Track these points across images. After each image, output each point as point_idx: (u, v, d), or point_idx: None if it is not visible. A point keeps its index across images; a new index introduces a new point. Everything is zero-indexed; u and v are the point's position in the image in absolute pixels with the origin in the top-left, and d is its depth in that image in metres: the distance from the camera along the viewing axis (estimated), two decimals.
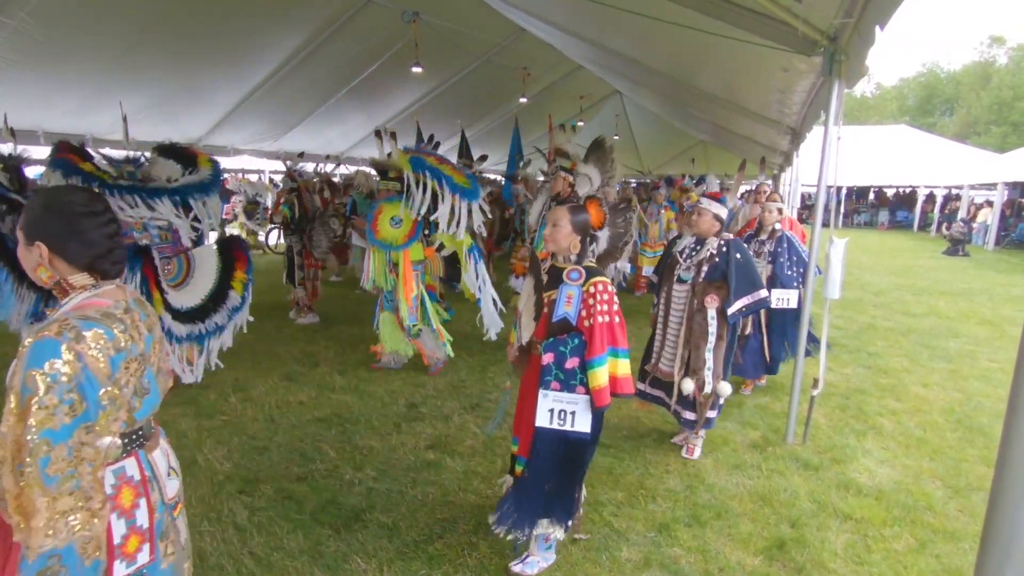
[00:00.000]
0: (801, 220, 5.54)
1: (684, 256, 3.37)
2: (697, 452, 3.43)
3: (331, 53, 7.38)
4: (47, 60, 5.70)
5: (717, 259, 3.22)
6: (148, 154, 4.26)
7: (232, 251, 4.38)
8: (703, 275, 3.23)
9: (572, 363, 2.18)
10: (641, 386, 3.48)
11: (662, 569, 2.45)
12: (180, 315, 3.97)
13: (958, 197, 19.77)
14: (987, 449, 3.59)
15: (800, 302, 4.01)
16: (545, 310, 2.30)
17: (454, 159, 10.32)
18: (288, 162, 6.75)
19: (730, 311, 3.16)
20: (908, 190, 23.48)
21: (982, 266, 12.39)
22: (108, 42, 5.81)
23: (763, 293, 3.20)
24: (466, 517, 2.78)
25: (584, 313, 2.18)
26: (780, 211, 4.40)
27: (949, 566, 2.51)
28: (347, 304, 7.12)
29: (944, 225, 18.18)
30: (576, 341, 2.18)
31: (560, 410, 2.17)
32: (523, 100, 9.80)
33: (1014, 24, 60.99)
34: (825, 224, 3.56)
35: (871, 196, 24.89)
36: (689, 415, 3.31)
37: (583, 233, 2.30)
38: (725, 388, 3.22)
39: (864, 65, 3.00)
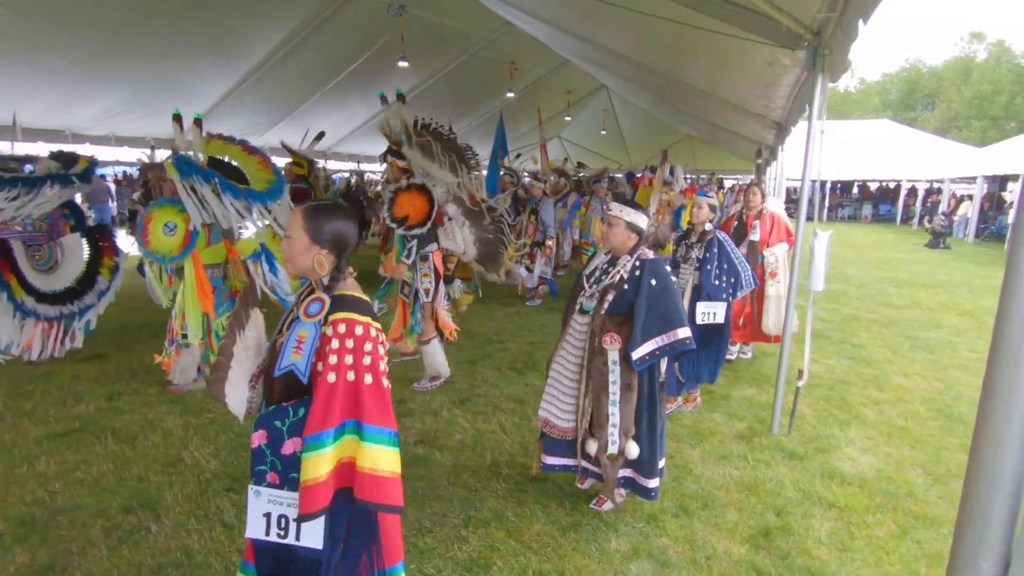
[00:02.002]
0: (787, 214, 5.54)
1: (591, 280, 2.64)
2: (608, 505, 2.79)
3: (316, 47, 7.31)
4: (25, 53, 5.59)
5: (626, 285, 2.50)
6: (43, 159, 4.68)
7: (100, 240, 4.91)
8: (606, 306, 2.52)
9: (293, 445, 1.48)
10: (545, 459, 2.77)
11: (650, 559, 2.48)
12: (47, 297, 4.59)
13: (939, 191, 20.09)
14: (967, 437, 3.66)
15: (728, 318, 3.68)
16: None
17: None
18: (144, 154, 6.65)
19: (635, 356, 2.43)
20: (892, 184, 23.80)
21: (962, 258, 12.61)
22: (88, 34, 5.71)
23: (682, 333, 2.47)
24: (455, 511, 2.78)
25: (320, 366, 1.47)
26: (712, 208, 3.85)
27: (930, 551, 2.56)
28: None
29: (926, 218, 18.46)
30: (303, 411, 1.48)
31: (279, 515, 1.50)
32: (510, 95, 9.79)
33: (993, 20, 61.94)
34: (809, 218, 3.60)
35: (855, 190, 25.20)
36: (598, 469, 2.70)
37: (335, 245, 1.58)
38: (633, 449, 2.56)
39: (847, 59, 3.03)
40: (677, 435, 3.63)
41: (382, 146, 8.71)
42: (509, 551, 2.49)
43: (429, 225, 4.06)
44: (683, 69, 5.49)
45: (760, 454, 3.40)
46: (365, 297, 1.62)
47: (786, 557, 2.50)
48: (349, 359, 1.47)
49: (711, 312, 3.59)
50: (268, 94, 8.20)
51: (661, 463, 2.71)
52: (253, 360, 1.73)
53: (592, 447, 2.59)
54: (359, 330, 1.50)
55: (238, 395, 1.64)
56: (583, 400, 2.60)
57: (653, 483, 2.64)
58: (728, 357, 4.94)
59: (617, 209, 2.56)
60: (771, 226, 4.74)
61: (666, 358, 2.56)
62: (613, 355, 2.51)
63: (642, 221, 2.54)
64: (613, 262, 2.62)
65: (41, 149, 4.58)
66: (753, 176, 6.50)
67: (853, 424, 3.85)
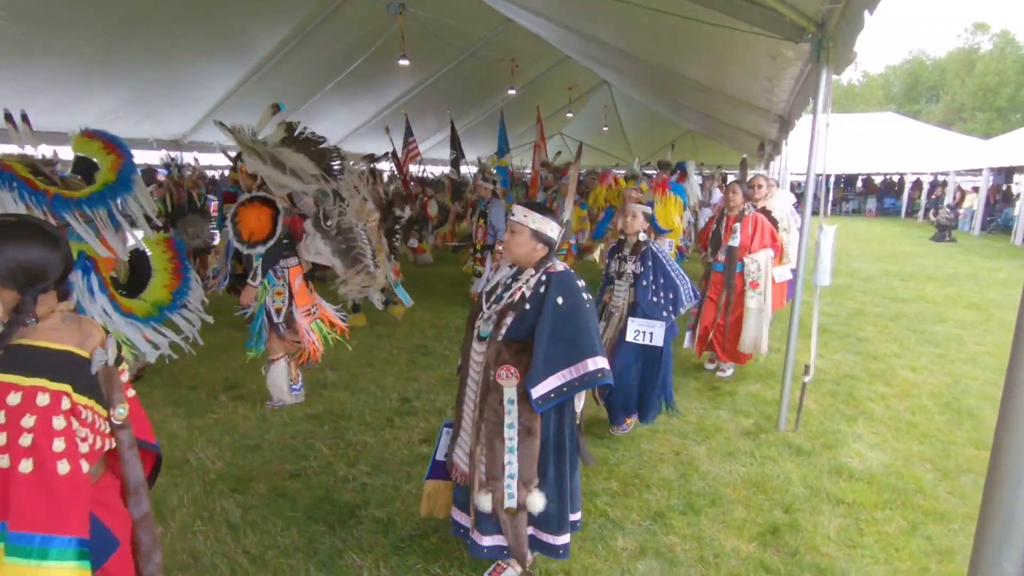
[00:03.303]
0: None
1: (490, 299, 2.17)
2: (510, 574, 2.28)
3: (317, 47, 7.31)
4: (24, 56, 5.59)
5: (528, 305, 2.05)
6: None
7: None
8: (503, 331, 2.06)
9: None
10: (453, 514, 2.29)
11: (658, 557, 2.46)
12: None
13: (944, 183, 19.96)
14: (975, 431, 3.63)
15: (668, 341, 3.23)
16: None
17: (446, 152, 10.32)
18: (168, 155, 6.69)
19: (535, 393, 1.97)
20: (896, 177, 23.67)
21: (968, 251, 12.52)
22: (88, 37, 5.71)
23: (594, 364, 2.00)
24: None
25: None
26: (647, 216, 3.42)
27: (940, 547, 2.54)
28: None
29: (931, 211, 18.35)
30: None
31: None
32: (511, 92, 9.76)
33: (997, 11, 61.52)
34: (815, 212, 3.57)
35: (859, 184, 25.07)
36: (488, 540, 2.13)
37: (15, 279, 1.21)
38: (536, 501, 2.07)
39: (852, 51, 2.99)
40: (683, 432, 3.61)
41: (384, 145, 8.63)
42: None
43: (273, 242, 3.66)
44: (685, 64, 5.46)
45: (767, 450, 3.38)
46: (66, 347, 1.23)
47: (795, 554, 2.48)
48: (25, 439, 1.11)
49: (646, 331, 3.15)
50: (269, 94, 8.17)
51: (575, 516, 2.24)
52: None
53: (486, 502, 2.07)
54: (14, 399, 1.13)
55: None
56: (475, 446, 2.12)
57: (562, 539, 2.17)
58: (722, 374, 4.51)
59: (521, 214, 2.10)
60: (753, 229, 4.23)
61: (577, 394, 2.06)
62: (510, 392, 2.04)
63: (551, 229, 2.11)
64: (517, 277, 2.15)
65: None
66: (755, 172, 5.93)
67: (860, 419, 3.82)
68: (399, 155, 9.18)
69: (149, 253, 3.53)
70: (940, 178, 20.86)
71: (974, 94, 34.38)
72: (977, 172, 17.17)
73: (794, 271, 4.13)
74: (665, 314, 3.23)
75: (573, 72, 10.63)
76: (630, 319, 3.23)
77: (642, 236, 3.39)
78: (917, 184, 21.75)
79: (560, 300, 2.02)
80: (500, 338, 2.06)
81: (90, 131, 3.87)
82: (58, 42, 5.56)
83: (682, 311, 3.32)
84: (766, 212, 4.60)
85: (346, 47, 7.66)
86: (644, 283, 3.26)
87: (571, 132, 15.95)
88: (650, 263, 3.29)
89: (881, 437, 3.59)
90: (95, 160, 3.75)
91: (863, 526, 2.69)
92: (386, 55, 7.65)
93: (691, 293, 3.35)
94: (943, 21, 65.83)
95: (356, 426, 3.69)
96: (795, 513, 2.77)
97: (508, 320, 2.06)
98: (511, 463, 2.07)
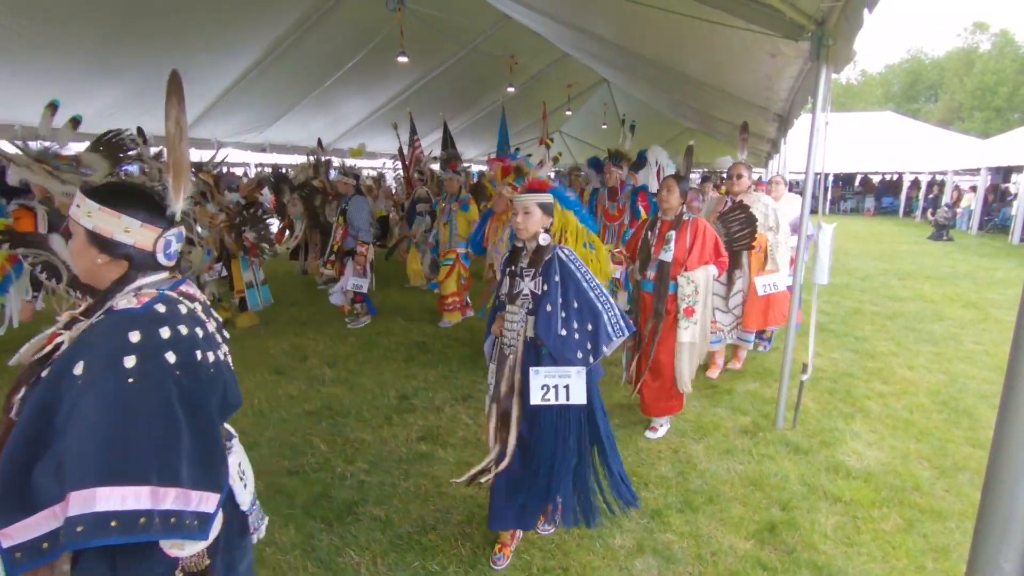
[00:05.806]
0: None
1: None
2: None
3: (315, 42, 7.28)
4: (20, 52, 5.56)
5: (49, 370, 1.16)
6: None
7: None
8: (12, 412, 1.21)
9: None
10: None
11: (655, 555, 2.47)
12: None
13: (942, 183, 19.99)
14: (972, 430, 3.65)
15: (597, 393, 2.22)
16: None
17: (437, 151, 10.31)
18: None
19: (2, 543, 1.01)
20: (895, 177, 23.70)
21: (966, 250, 12.54)
22: (86, 31, 5.68)
23: (81, 503, 0.99)
24: (459, 508, 2.78)
25: None
26: (547, 210, 2.27)
27: (936, 544, 2.55)
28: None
29: (929, 211, 18.37)
30: None
31: None
32: (510, 89, 9.73)
33: (996, 10, 61.58)
34: (813, 211, 3.57)
35: (857, 183, 25.11)
36: None
37: None
38: None
39: (851, 49, 2.99)
40: (681, 430, 3.61)
41: (383, 142, 8.57)
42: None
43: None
44: (684, 61, 5.45)
45: (765, 448, 3.38)
46: None
47: (792, 552, 2.49)
48: None
49: (557, 385, 2.09)
50: (268, 90, 8.17)
51: None
52: None
53: None
54: None
55: None
56: None
57: None
58: (651, 434, 3.51)
59: (79, 197, 1.20)
60: (692, 239, 3.30)
61: None
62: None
63: (123, 231, 1.20)
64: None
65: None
66: (734, 160, 4.50)
67: (858, 417, 3.83)
68: (405, 153, 9.14)
69: None
70: (938, 177, 20.89)
71: (972, 93, 34.41)
72: (975, 171, 17.19)
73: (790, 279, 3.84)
74: (581, 355, 2.10)
75: (572, 69, 10.61)
76: (532, 370, 2.11)
77: (543, 239, 2.23)
78: (915, 183, 21.79)
79: (79, 368, 1.06)
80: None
81: None
82: (56, 38, 5.53)
83: (606, 350, 2.14)
84: (744, 207, 3.96)
85: (344, 44, 7.63)
86: (548, 307, 2.12)
87: (569, 130, 15.93)
88: (556, 278, 2.16)
89: (878, 435, 3.60)
90: None
91: (860, 524, 2.70)
92: (385, 51, 7.63)
93: (619, 323, 2.17)
94: (943, 20, 65.90)
95: (354, 423, 3.69)
96: (792, 511, 2.78)
97: (16, 397, 1.15)
98: None
